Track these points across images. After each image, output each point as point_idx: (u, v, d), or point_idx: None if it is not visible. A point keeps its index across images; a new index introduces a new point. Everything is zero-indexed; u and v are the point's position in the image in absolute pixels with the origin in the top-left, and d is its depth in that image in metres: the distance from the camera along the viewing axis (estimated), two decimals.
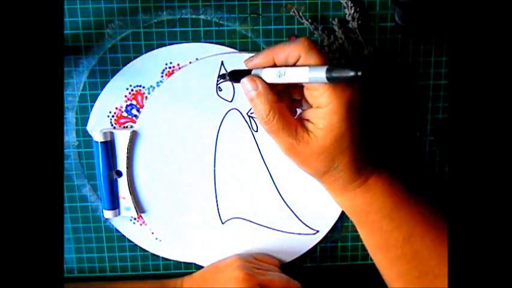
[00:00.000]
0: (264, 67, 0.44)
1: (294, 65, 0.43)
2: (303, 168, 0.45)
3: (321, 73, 0.40)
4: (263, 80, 0.44)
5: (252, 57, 0.45)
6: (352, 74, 0.38)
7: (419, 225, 0.45)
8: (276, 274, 0.51)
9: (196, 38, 0.51)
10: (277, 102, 0.43)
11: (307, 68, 0.41)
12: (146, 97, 0.52)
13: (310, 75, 0.40)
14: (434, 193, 0.55)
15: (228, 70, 0.51)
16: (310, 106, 0.43)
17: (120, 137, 0.53)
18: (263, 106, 0.43)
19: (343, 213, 0.55)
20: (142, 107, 0.53)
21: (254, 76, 0.44)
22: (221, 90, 0.52)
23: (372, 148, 0.46)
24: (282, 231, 0.56)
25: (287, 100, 0.46)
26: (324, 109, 0.42)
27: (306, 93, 0.43)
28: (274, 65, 0.44)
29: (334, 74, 0.39)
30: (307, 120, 0.43)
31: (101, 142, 0.52)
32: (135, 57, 0.51)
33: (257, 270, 0.51)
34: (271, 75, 0.43)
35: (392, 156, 0.54)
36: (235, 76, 0.47)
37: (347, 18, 0.50)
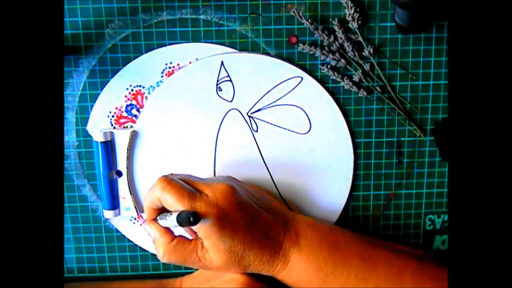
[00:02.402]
0: (155, 215, 0.48)
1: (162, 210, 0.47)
2: (225, 272, 0.49)
3: (175, 222, 0.43)
4: (159, 224, 0.48)
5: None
6: (191, 220, 0.42)
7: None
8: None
9: (196, 38, 0.51)
10: (170, 242, 0.47)
11: (171, 218, 0.45)
12: (146, 97, 0.52)
13: (172, 223, 0.44)
14: (434, 193, 0.55)
15: (228, 70, 0.51)
16: None
17: (120, 137, 0.53)
18: (158, 250, 0.47)
19: (342, 213, 0.55)
20: (142, 107, 0.53)
21: (151, 222, 0.48)
22: (221, 90, 0.52)
23: (282, 217, 0.48)
24: None
25: None
26: (200, 233, 0.45)
27: None
28: (158, 210, 0.48)
29: (182, 220, 0.43)
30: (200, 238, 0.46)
31: (101, 142, 0.52)
32: (135, 57, 0.51)
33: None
34: (163, 225, 0.48)
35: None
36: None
37: (347, 18, 0.50)
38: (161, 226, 0.48)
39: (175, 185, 0.45)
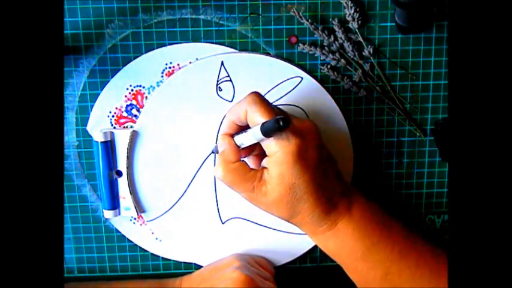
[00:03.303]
0: (233, 132, 0.47)
1: (246, 127, 0.45)
2: (270, 213, 0.46)
3: (258, 132, 0.42)
4: (233, 140, 0.46)
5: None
6: (277, 125, 0.40)
7: (396, 263, 0.46)
8: (270, 286, 0.51)
9: (196, 38, 0.51)
10: (236, 162, 0.45)
11: (250, 132, 0.44)
12: (146, 97, 0.52)
13: (254, 136, 0.43)
14: (434, 193, 0.55)
15: (228, 70, 0.51)
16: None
17: (120, 137, 0.53)
18: (219, 166, 0.45)
19: None
20: (142, 107, 0.53)
21: (226, 135, 0.47)
22: (221, 90, 0.52)
23: (342, 185, 0.46)
24: (282, 231, 0.56)
25: (256, 149, 0.48)
26: (273, 157, 0.43)
27: (261, 142, 0.45)
28: (238, 126, 0.46)
29: (267, 129, 0.41)
30: (265, 168, 0.45)
31: (101, 142, 0.52)
32: (135, 57, 0.51)
33: (254, 273, 0.51)
34: (237, 142, 0.46)
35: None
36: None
37: (347, 18, 0.50)
38: (235, 143, 0.46)
39: (266, 102, 0.44)
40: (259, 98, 0.44)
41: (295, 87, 0.52)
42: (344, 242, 0.46)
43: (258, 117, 0.43)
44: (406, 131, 0.54)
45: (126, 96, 0.52)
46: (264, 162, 0.45)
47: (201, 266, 0.56)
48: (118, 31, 0.51)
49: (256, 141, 0.44)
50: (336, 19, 0.50)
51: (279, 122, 0.40)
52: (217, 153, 0.47)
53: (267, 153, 0.44)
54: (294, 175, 0.43)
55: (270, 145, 0.43)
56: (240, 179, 0.44)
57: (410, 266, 0.46)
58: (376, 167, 0.55)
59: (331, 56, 0.51)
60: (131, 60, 0.52)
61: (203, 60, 0.52)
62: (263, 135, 0.42)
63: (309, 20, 0.50)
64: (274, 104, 0.52)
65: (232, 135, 0.46)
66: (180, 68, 0.52)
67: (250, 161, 0.49)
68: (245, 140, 0.45)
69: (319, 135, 0.45)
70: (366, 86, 0.53)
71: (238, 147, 0.46)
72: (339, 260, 0.47)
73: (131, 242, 0.56)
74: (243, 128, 0.46)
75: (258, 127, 0.42)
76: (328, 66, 0.52)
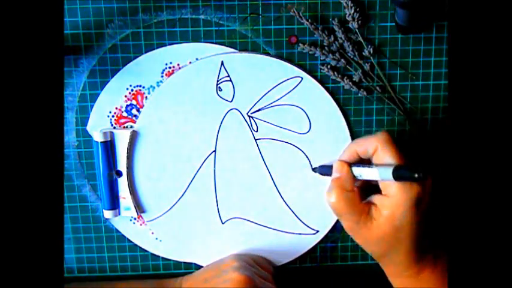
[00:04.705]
0: (351, 161, 0.48)
1: (369, 163, 0.47)
2: (362, 247, 0.48)
3: (388, 173, 0.43)
4: (350, 169, 0.47)
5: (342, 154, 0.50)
6: (416, 176, 0.41)
7: None
8: (269, 286, 0.51)
9: (196, 38, 0.51)
10: (350, 191, 0.46)
11: (377, 169, 0.44)
12: (146, 97, 0.52)
13: (381, 175, 0.44)
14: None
15: (228, 70, 0.51)
16: (380, 191, 0.46)
17: (120, 137, 0.53)
18: (332, 191, 0.47)
19: None
20: (142, 107, 0.53)
21: (345, 163, 0.48)
22: (221, 90, 0.52)
23: (433, 239, 0.47)
24: (282, 231, 0.56)
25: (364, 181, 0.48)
26: (390, 199, 0.44)
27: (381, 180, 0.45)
28: (359, 158, 0.48)
29: (400, 174, 0.42)
30: (374, 204, 0.45)
31: (101, 142, 0.52)
32: (135, 57, 0.51)
33: (254, 273, 0.51)
34: (355, 173, 0.47)
35: None
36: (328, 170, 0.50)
37: (347, 18, 0.50)
38: (352, 172, 0.47)
39: (396, 144, 0.45)
40: (392, 139, 0.45)
41: (295, 87, 0.52)
42: None
43: (388, 159, 0.44)
44: (406, 131, 0.54)
45: (126, 96, 0.52)
46: (376, 199, 0.46)
47: (201, 266, 0.56)
48: (118, 31, 0.51)
49: (379, 179, 0.45)
50: (336, 19, 0.50)
51: (419, 174, 0.41)
52: (323, 174, 0.50)
53: (383, 192, 0.45)
54: (404, 220, 0.44)
55: (391, 187, 0.44)
56: (350, 209, 0.46)
57: None
58: None
59: (331, 56, 0.51)
60: (131, 60, 0.52)
61: (203, 60, 0.52)
62: (394, 178, 0.43)
63: (309, 20, 0.50)
64: (274, 104, 0.53)
65: (349, 164, 0.48)
66: (180, 68, 0.52)
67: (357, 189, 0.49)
68: (366, 174, 0.46)
69: (431, 186, 0.46)
70: (365, 86, 0.53)
71: (355, 177, 0.47)
72: None
73: (131, 242, 0.56)
74: (363, 160, 0.47)
75: (389, 169, 0.43)
76: (328, 66, 0.52)
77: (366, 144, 0.46)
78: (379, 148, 0.45)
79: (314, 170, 0.53)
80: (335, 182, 0.47)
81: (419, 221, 0.44)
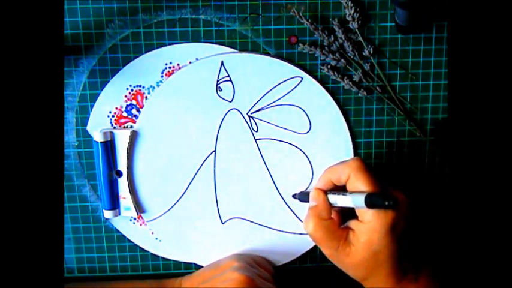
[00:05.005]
0: (326, 189, 0.48)
1: (343, 190, 0.47)
2: (344, 271, 0.48)
3: (361, 200, 0.43)
4: (327, 197, 0.48)
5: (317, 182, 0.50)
6: (386, 203, 0.42)
7: None
8: (269, 286, 0.51)
9: (196, 38, 0.51)
10: (327, 219, 0.47)
11: (350, 197, 0.45)
12: (146, 97, 0.52)
13: (354, 202, 0.45)
14: (435, 194, 0.55)
15: (228, 70, 0.51)
16: (357, 217, 0.46)
17: (120, 137, 0.53)
18: (309, 220, 0.47)
19: None
20: (142, 107, 0.53)
21: (321, 191, 0.48)
22: (221, 90, 0.52)
23: (414, 258, 0.47)
24: (282, 231, 0.56)
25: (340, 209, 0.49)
26: (366, 225, 0.44)
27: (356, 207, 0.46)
28: (333, 185, 0.48)
29: (372, 202, 0.43)
30: (352, 229, 0.46)
31: (101, 142, 0.52)
32: (135, 57, 0.51)
33: (254, 273, 0.51)
34: (331, 201, 0.48)
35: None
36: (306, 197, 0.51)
37: (347, 18, 0.50)
38: (328, 200, 0.47)
39: (370, 171, 0.45)
40: (365, 166, 0.45)
41: (295, 87, 0.52)
42: None
43: (361, 186, 0.45)
44: (406, 131, 0.54)
45: (126, 96, 0.52)
46: (353, 225, 0.46)
47: (201, 266, 0.56)
48: (118, 31, 0.51)
49: (353, 206, 0.45)
50: (336, 19, 0.50)
51: (389, 202, 0.42)
52: (302, 201, 0.50)
53: (359, 218, 0.45)
54: (381, 245, 0.44)
55: (366, 213, 0.44)
56: (328, 237, 0.46)
57: None
58: (376, 167, 0.55)
59: (331, 56, 0.51)
60: (131, 60, 0.52)
61: (203, 60, 0.52)
62: (366, 206, 0.43)
63: (309, 20, 0.50)
64: (274, 104, 0.53)
65: (325, 192, 0.48)
66: (180, 68, 0.52)
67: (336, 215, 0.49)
68: (341, 201, 0.46)
69: (408, 207, 0.46)
70: (365, 86, 0.53)
71: (331, 204, 0.47)
72: None
73: (131, 242, 0.56)
74: (338, 187, 0.47)
75: (362, 197, 0.43)
76: (328, 66, 0.52)
77: (338, 172, 0.47)
78: (351, 175, 0.45)
79: (294, 196, 0.54)
80: (312, 211, 0.47)
81: (397, 244, 0.45)
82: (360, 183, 0.45)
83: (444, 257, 0.47)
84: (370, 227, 0.44)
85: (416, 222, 0.47)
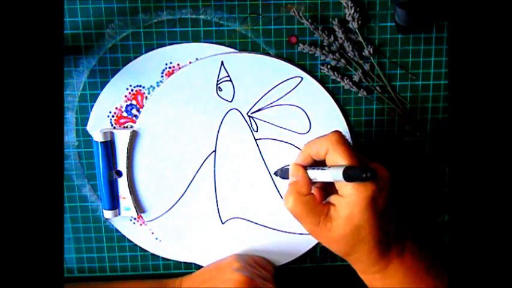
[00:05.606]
0: (306, 164, 0.47)
1: (324, 164, 0.46)
2: (327, 247, 0.47)
3: (340, 174, 0.43)
4: (306, 173, 0.46)
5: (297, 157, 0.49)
6: (364, 176, 0.42)
7: None
8: (269, 286, 0.51)
9: (196, 38, 0.51)
10: (307, 195, 0.46)
11: (329, 171, 0.44)
12: (146, 97, 0.52)
13: (333, 177, 0.44)
14: (435, 193, 0.55)
15: (228, 70, 0.51)
16: (337, 192, 0.45)
17: (120, 137, 0.53)
18: (289, 196, 0.46)
19: None
20: (142, 107, 0.53)
21: (300, 167, 0.47)
22: (221, 90, 0.52)
23: (397, 231, 0.47)
24: (282, 231, 0.56)
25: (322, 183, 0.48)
26: (346, 199, 0.44)
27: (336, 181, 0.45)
28: (313, 160, 0.47)
29: (350, 175, 0.42)
30: (333, 204, 0.45)
31: (101, 142, 0.52)
32: (135, 57, 0.51)
33: (254, 273, 0.51)
34: (311, 176, 0.47)
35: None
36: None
37: (347, 18, 0.50)
38: (307, 175, 0.47)
39: (348, 144, 0.45)
40: (343, 139, 0.45)
41: (295, 87, 0.52)
42: (392, 285, 0.46)
43: (339, 159, 0.44)
44: (406, 131, 0.54)
45: (126, 96, 0.52)
46: (334, 200, 0.45)
47: (201, 266, 0.56)
48: (118, 31, 0.51)
49: (332, 181, 0.44)
50: (336, 19, 0.50)
51: (367, 174, 0.41)
52: (284, 178, 0.49)
53: (339, 192, 0.45)
54: (362, 218, 0.43)
55: (346, 187, 0.44)
56: (308, 212, 0.45)
57: None
58: None
59: (331, 56, 0.51)
60: (131, 60, 0.52)
61: (203, 60, 0.52)
62: (345, 179, 0.43)
63: (309, 20, 0.50)
64: (274, 104, 0.53)
65: (305, 167, 0.47)
66: (180, 68, 0.52)
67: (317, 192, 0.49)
68: (321, 176, 0.45)
69: (390, 182, 0.46)
70: (365, 86, 0.53)
71: (310, 180, 0.46)
72: None
73: (131, 242, 0.56)
74: (318, 162, 0.47)
75: (340, 170, 0.43)
76: (328, 66, 0.52)
77: (317, 146, 0.46)
78: (330, 149, 0.45)
79: (276, 173, 0.53)
80: (291, 187, 0.47)
81: (378, 218, 0.44)
82: (338, 157, 0.44)
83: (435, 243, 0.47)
84: (350, 200, 0.43)
85: (399, 198, 0.46)
